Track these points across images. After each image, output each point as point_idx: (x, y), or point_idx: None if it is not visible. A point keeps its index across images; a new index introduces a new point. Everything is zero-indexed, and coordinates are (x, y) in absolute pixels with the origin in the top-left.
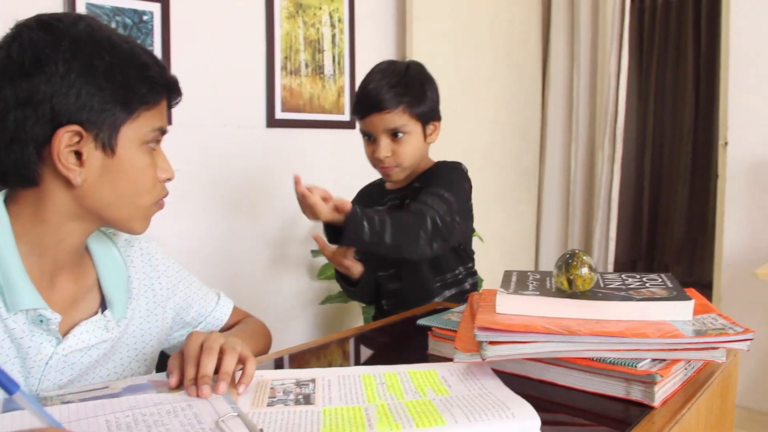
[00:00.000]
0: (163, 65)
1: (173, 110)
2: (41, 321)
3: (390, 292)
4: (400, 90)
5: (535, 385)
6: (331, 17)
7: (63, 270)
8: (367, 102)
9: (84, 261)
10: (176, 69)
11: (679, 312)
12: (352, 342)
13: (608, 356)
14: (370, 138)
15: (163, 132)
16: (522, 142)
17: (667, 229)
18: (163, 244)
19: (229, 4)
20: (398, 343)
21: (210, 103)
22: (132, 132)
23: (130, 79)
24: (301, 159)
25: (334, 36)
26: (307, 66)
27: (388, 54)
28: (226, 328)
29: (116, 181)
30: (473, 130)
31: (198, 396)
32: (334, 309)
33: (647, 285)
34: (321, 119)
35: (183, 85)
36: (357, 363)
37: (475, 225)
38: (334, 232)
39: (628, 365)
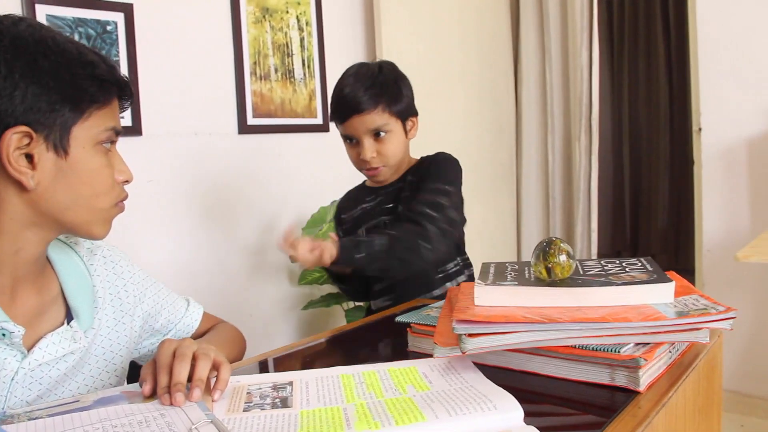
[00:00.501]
0: (113, 64)
1: (143, 120)
2: (3, 335)
3: (389, 287)
4: (377, 90)
5: (517, 376)
6: (298, 21)
7: (24, 282)
8: (346, 106)
9: (46, 272)
10: (143, 79)
11: (660, 294)
12: (331, 343)
13: (590, 343)
14: (352, 141)
15: (116, 132)
16: (497, 137)
17: (649, 218)
18: (138, 256)
19: (194, 11)
20: (379, 341)
21: (180, 112)
22: (84, 132)
23: (78, 78)
24: (276, 164)
25: (302, 39)
26: (276, 71)
27: (358, 55)
28: (197, 335)
29: (71, 183)
30: (447, 127)
31: (171, 404)
32: (317, 314)
33: (627, 270)
34: (293, 123)
35: (152, 94)
36: (336, 364)
37: None
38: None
39: (611, 351)
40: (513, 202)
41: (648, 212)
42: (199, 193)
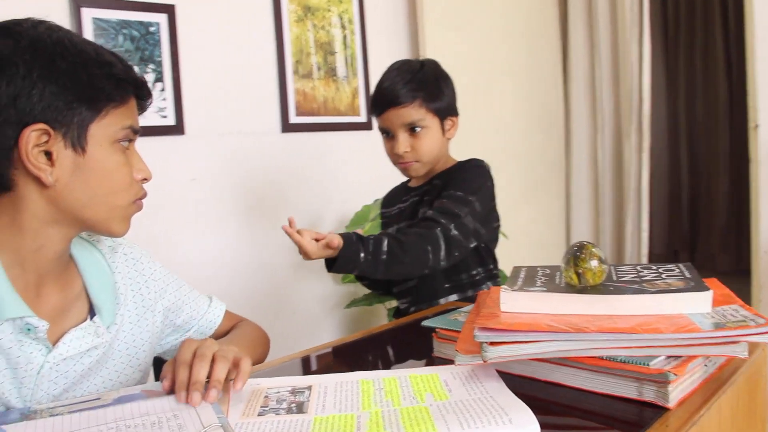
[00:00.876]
0: (129, 65)
1: (186, 120)
2: (29, 330)
3: (403, 290)
4: (415, 85)
5: (542, 386)
6: (341, 18)
7: (48, 279)
8: (383, 98)
9: (69, 269)
10: (186, 78)
11: (697, 304)
12: (358, 346)
13: (619, 354)
14: (388, 135)
15: (134, 131)
16: (545, 135)
17: (709, 217)
18: (181, 253)
19: (236, 11)
20: (405, 345)
21: (223, 111)
22: (101, 130)
23: (94, 78)
24: (319, 162)
25: (345, 37)
26: (319, 69)
27: (401, 52)
28: (220, 332)
29: (89, 180)
30: (493, 126)
31: (187, 402)
32: (360, 312)
33: (663, 276)
34: (336, 122)
35: (194, 94)
36: (361, 367)
37: (502, 221)
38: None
39: (640, 363)
40: (562, 202)
41: (707, 211)
42: (242, 191)
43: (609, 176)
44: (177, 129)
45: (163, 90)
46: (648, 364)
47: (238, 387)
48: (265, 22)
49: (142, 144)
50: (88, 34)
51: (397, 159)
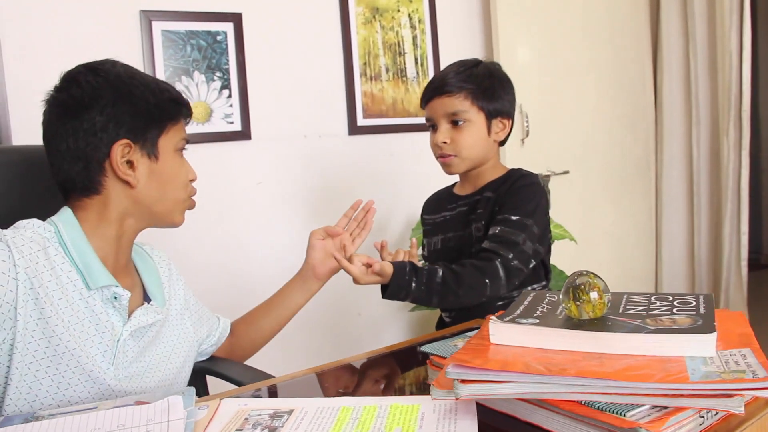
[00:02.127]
0: (178, 91)
1: (252, 125)
2: (115, 298)
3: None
4: (465, 77)
5: (522, 427)
6: (410, 19)
7: (122, 264)
8: (431, 86)
9: (130, 260)
10: (252, 84)
11: (697, 347)
12: (368, 365)
13: (598, 400)
14: (433, 127)
15: (187, 141)
16: (631, 131)
17: None
18: (248, 255)
19: (302, 15)
20: (414, 366)
21: (289, 115)
22: (167, 141)
23: (160, 102)
24: (387, 164)
25: (415, 38)
26: (387, 70)
27: (474, 51)
28: (225, 346)
29: (161, 181)
30: (573, 122)
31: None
32: (424, 315)
33: (674, 311)
34: (406, 123)
35: (260, 99)
36: (361, 389)
37: (578, 223)
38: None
39: (617, 413)
40: (649, 201)
41: None
42: (309, 194)
43: (705, 175)
44: (243, 134)
45: (229, 97)
46: (625, 414)
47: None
48: (332, 25)
49: (209, 150)
50: (158, 45)
51: (436, 151)
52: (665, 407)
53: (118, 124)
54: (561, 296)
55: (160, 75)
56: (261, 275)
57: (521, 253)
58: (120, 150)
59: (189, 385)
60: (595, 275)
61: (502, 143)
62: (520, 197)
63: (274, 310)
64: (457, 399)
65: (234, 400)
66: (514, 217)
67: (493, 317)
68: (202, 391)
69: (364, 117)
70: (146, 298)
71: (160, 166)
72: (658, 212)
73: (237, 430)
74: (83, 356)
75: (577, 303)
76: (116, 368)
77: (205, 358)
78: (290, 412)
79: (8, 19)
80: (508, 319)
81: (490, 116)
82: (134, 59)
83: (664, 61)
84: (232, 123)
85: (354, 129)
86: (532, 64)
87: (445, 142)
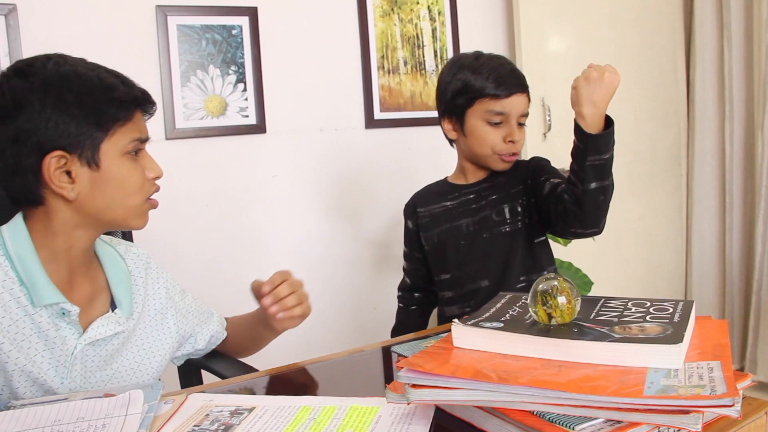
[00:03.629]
0: (131, 83)
1: (267, 119)
2: (63, 314)
3: (469, 293)
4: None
5: None
6: (429, 11)
7: (78, 273)
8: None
9: (94, 265)
10: (268, 78)
11: (662, 358)
12: (348, 363)
13: (550, 411)
14: (497, 123)
15: (141, 141)
16: (660, 125)
17: None
18: (263, 249)
19: (319, 8)
20: (386, 368)
21: (305, 109)
22: (111, 146)
23: (99, 103)
24: (404, 158)
25: (434, 30)
26: (405, 63)
27: (496, 43)
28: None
29: (105, 190)
30: None
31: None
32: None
33: (647, 318)
34: (424, 116)
35: (276, 93)
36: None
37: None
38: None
39: (566, 426)
40: (679, 198)
41: None
42: (325, 187)
43: (738, 171)
44: (258, 128)
45: (245, 90)
46: (574, 428)
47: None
48: (349, 19)
49: (224, 144)
50: (173, 40)
51: (506, 149)
52: (619, 422)
53: (49, 134)
54: (528, 300)
55: (175, 70)
56: (275, 267)
57: None
58: (54, 162)
59: (185, 378)
60: (565, 279)
61: None
62: (543, 164)
63: (253, 330)
64: (408, 404)
65: (200, 395)
66: (551, 174)
67: (456, 320)
68: (196, 384)
69: (382, 110)
70: (113, 304)
71: (103, 175)
72: (689, 209)
73: (195, 425)
74: (34, 371)
75: (545, 308)
76: (71, 381)
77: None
78: (251, 410)
79: (29, 15)
80: (471, 322)
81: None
82: (150, 54)
83: (697, 52)
84: (247, 117)
85: (371, 122)
86: (556, 56)
87: (518, 140)
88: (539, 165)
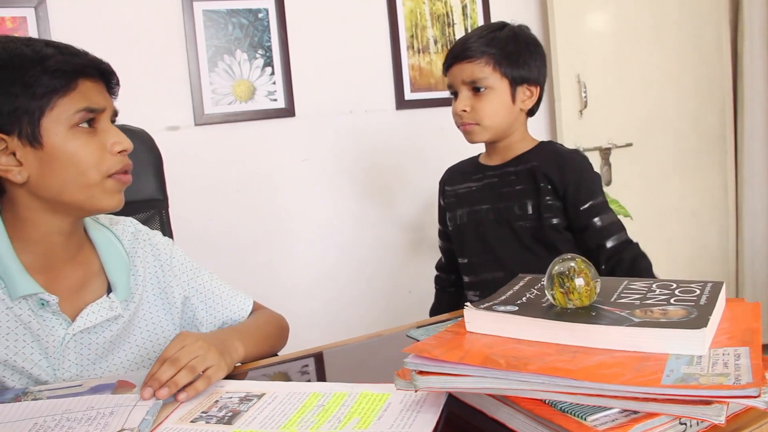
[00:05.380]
0: (74, 51)
1: (296, 102)
2: (43, 304)
3: (483, 282)
4: (487, 41)
5: (489, 423)
6: None
7: (62, 260)
8: (451, 52)
9: (85, 250)
10: (295, 61)
11: (684, 344)
12: (363, 348)
13: (562, 400)
14: (455, 94)
15: (91, 110)
16: (704, 99)
17: None
18: (293, 232)
19: None
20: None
21: (334, 91)
22: (53, 121)
23: (30, 77)
24: (435, 138)
25: (464, 7)
26: (436, 42)
27: (528, 18)
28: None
29: (55, 168)
30: (638, 92)
31: (141, 396)
32: None
33: (672, 300)
34: None
35: (305, 76)
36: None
37: (641, 199)
38: None
39: (578, 415)
40: (725, 175)
41: None
42: (355, 170)
43: None
44: (287, 111)
45: (272, 74)
46: (586, 418)
47: (181, 398)
48: None
49: (253, 128)
50: (200, 25)
51: (457, 120)
52: (635, 412)
53: None
54: (545, 282)
55: (203, 55)
56: (307, 251)
57: (623, 226)
58: None
59: None
60: (584, 260)
61: (530, 113)
62: (588, 178)
63: None
64: (415, 391)
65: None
66: (596, 202)
67: (468, 304)
68: None
69: (412, 91)
70: (110, 289)
71: (49, 152)
72: (739, 187)
73: (203, 412)
74: (20, 363)
75: (561, 290)
76: (65, 372)
77: None
78: (260, 396)
79: (57, 6)
80: (485, 306)
81: (514, 83)
82: (177, 41)
83: (745, 23)
84: (275, 100)
85: (401, 103)
86: (592, 31)
87: (464, 110)
88: (583, 184)
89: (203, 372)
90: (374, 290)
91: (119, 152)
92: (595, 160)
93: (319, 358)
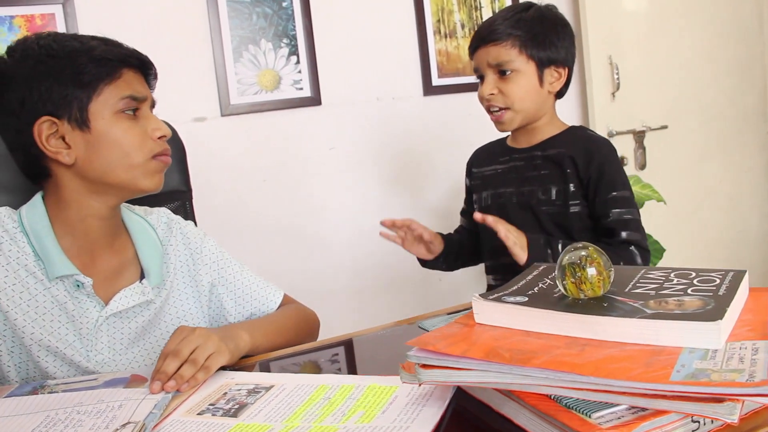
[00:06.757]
0: (117, 43)
1: (322, 90)
2: (78, 286)
3: (497, 266)
4: (513, 23)
5: (496, 418)
6: None
7: (100, 245)
8: (476, 35)
9: (121, 237)
10: (321, 49)
11: (698, 337)
12: (379, 339)
13: (568, 395)
14: (481, 78)
15: (135, 98)
16: (742, 79)
17: None
18: (323, 221)
19: None
20: None
21: (361, 79)
22: (100, 106)
23: (80, 65)
24: (464, 124)
25: None
26: (463, 26)
27: (558, 2)
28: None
29: (101, 150)
30: (672, 73)
31: (150, 390)
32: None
33: (689, 291)
34: None
35: (330, 64)
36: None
37: (676, 182)
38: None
39: (583, 412)
40: (764, 158)
41: None
42: (383, 157)
43: None
44: (313, 100)
45: (298, 63)
46: (590, 415)
47: (183, 389)
48: None
49: (279, 117)
50: (224, 16)
51: (485, 104)
52: (643, 409)
53: (34, 102)
54: (556, 272)
55: (227, 46)
56: (335, 240)
57: (641, 227)
58: (44, 128)
59: None
60: (596, 249)
61: (559, 95)
62: (612, 168)
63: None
64: (419, 384)
65: (224, 372)
66: (618, 194)
67: (476, 295)
68: None
69: (440, 77)
70: (143, 276)
71: (96, 136)
72: None
73: (210, 404)
74: (54, 344)
75: (573, 280)
76: (97, 354)
77: None
78: (269, 388)
79: (84, 2)
80: (493, 296)
81: (541, 65)
82: (201, 32)
83: None
84: (301, 89)
85: (429, 89)
86: (624, 10)
87: (492, 94)
88: (606, 173)
89: (205, 362)
90: (404, 278)
91: (159, 138)
92: (629, 144)
93: (333, 349)
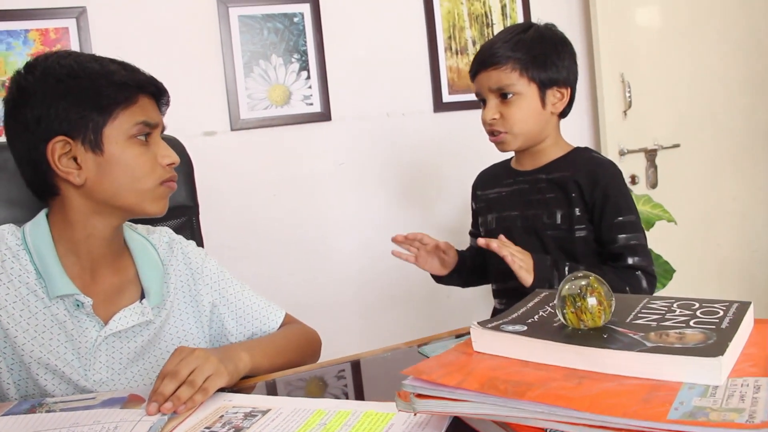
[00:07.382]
0: (135, 69)
1: (332, 106)
2: (77, 305)
3: (502, 290)
4: (512, 45)
5: None
6: None
7: (102, 264)
8: (476, 59)
9: (123, 257)
10: (331, 65)
11: (698, 373)
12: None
13: (563, 430)
14: (483, 102)
15: (148, 125)
16: (756, 95)
17: None
18: (330, 236)
19: None
20: None
21: (371, 94)
22: (114, 130)
23: (99, 88)
24: (474, 141)
25: (504, 7)
26: (474, 43)
27: (569, 18)
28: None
29: (112, 173)
30: (686, 91)
31: (147, 412)
32: None
33: (691, 322)
34: None
35: (340, 79)
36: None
37: (690, 202)
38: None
39: None
40: None
41: None
42: (393, 174)
43: None
44: (323, 116)
45: (308, 78)
46: None
47: (180, 411)
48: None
49: (289, 132)
50: (235, 30)
51: (488, 129)
52: None
53: (51, 120)
54: (556, 301)
55: (238, 60)
56: (344, 255)
57: (648, 252)
58: (58, 148)
59: None
60: (597, 278)
61: (562, 115)
62: (620, 192)
63: None
64: (414, 413)
65: (221, 394)
66: (624, 219)
67: (474, 323)
68: None
69: (450, 93)
70: (143, 296)
71: (108, 159)
72: None
73: (206, 427)
74: (53, 362)
75: (573, 310)
76: (95, 373)
77: None
78: (266, 412)
79: (97, 16)
80: (492, 325)
81: (543, 86)
82: (213, 46)
83: None
84: (311, 104)
85: (439, 106)
86: (636, 27)
87: (494, 119)
88: (611, 197)
89: (203, 384)
90: (412, 295)
91: (168, 165)
92: (641, 162)
93: (333, 370)
